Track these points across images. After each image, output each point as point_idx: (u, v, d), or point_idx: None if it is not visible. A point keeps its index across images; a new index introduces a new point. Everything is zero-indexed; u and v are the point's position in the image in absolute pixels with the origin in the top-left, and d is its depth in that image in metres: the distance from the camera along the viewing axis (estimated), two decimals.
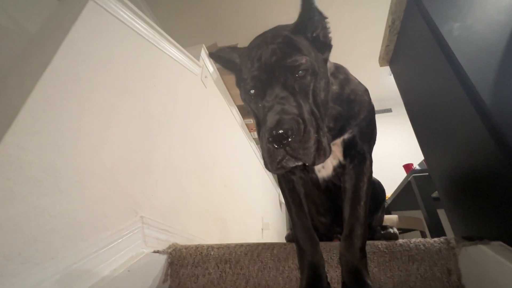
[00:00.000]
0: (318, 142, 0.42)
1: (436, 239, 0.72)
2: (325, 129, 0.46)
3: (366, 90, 0.65)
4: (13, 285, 0.47)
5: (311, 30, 0.51)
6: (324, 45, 0.52)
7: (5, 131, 0.51)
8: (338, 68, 0.64)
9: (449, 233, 1.53)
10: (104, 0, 0.82)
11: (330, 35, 0.53)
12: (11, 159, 0.51)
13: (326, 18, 0.52)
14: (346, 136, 0.60)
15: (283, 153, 0.41)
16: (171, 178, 1.05)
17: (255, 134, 2.36)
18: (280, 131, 0.39)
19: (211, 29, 2.71)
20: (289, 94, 0.44)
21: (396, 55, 1.10)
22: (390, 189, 2.58)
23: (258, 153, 2.54)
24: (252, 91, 0.47)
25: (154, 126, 1.01)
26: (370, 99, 0.64)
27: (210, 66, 1.62)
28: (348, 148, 0.61)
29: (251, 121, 2.15)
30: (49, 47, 0.65)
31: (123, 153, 0.81)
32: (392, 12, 0.96)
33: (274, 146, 0.40)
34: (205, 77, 1.52)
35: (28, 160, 0.53)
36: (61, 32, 0.69)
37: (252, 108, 0.50)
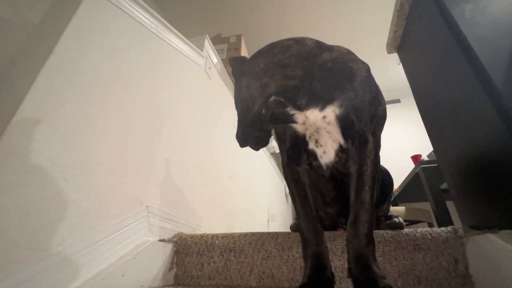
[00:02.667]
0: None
1: (443, 228, 0.71)
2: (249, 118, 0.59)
3: (358, 62, 0.60)
4: (22, 270, 0.48)
5: None
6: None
7: (10, 120, 0.51)
8: (332, 45, 0.62)
9: (458, 225, 1.51)
10: None
11: None
12: (17, 147, 0.52)
13: None
14: (337, 110, 0.56)
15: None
16: (176, 168, 1.05)
17: None
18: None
19: (215, 19, 2.68)
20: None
21: (404, 41, 1.06)
22: (397, 181, 2.55)
23: None
24: None
25: (159, 117, 1.01)
26: (363, 71, 0.59)
27: (214, 57, 1.60)
28: (345, 128, 0.58)
29: None
30: (51, 37, 0.65)
31: (127, 143, 0.82)
32: None
33: None
34: (209, 68, 1.51)
35: (33, 149, 0.54)
36: (62, 22, 0.68)
37: None
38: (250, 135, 0.62)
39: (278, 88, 0.55)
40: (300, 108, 0.57)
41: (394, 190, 2.29)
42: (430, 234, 0.69)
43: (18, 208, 0.51)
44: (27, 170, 0.53)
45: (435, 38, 0.80)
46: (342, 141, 0.60)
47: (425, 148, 2.39)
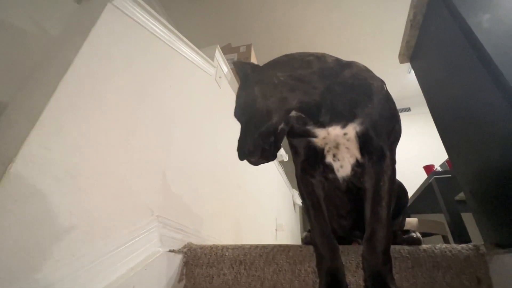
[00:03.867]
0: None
1: (463, 245, 0.68)
2: (263, 129, 0.54)
3: (376, 78, 0.60)
4: (36, 281, 0.48)
5: None
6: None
7: (30, 131, 0.52)
8: (348, 61, 0.62)
9: (474, 239, 1.45)
10: (122, 2, 0.83)
11: None
12: (35, 158, 0.52)
13: None
14: (358, 128, 0.56)
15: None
16: (186, 177, 1.05)
17: None
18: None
19: (225, 29, 2.72)
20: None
21: (418, 51, 1.04)
22: (409, 191, 2.48)
23: None
24: None
25: (170, 126, 1.02)
26: (382, 88, 0.59)
27: (224, 67, 1.62)
28: (364, 144, 0.58)
29: None
30: (70, 49, 0.66)
31: (140, 153, 0.83)
32: (413, 6, 0.91)
33: None
34: (219, 77, 1.52)
35: (50, 159, 0.55)
36: (82, 34, 0.70)
37: None
38: (259, 147, 0.56)
39: (299, 104, 0.54)
40: (323, 125, 0.57)
41: None
42: (450, 251, 0.66)
43: (34, 218, 0.51)
44: (43, 180, 0.53)
45: (451, 48, 0.79)
46: (359, 156, 0.59)
47: (435, 157, 2.34)
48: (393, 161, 0.59)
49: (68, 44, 0.69)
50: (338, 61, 0.60)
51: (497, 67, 0.61)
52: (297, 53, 0.61)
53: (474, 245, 0.66)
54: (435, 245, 0.70)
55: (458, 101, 0.83)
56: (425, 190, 1.96)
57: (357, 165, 0.60)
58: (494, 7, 0.68)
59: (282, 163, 2.87)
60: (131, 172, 0.78)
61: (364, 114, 0.56)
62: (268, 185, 2.27)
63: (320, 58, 0.59)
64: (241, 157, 0.57)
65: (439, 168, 2.11)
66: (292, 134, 0.60)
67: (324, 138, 0.59)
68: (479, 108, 0.70)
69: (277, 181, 2.59)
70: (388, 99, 0.60)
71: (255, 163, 0.58)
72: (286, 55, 0.62)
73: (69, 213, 0.57)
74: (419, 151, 3.29)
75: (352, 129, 0.57)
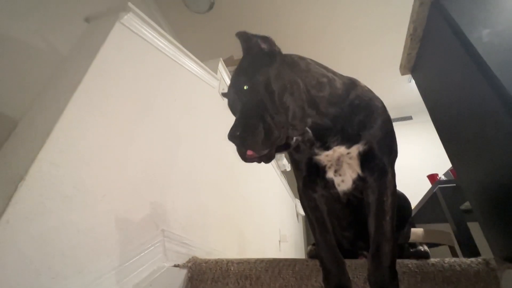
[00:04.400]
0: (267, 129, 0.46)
1: (473, 259, 0.67)
2: (279, 119, 0.48)
3: (378, 99, 0.62)
4: None
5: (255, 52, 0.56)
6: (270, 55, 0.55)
7: (40, 149, 0.53)
8: (350, 78, 0.64)
9: (482, 249, 1.42)
10: (129, 21, 0.86)
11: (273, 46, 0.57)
12: (44, 175, 0.53)
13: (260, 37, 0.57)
14: (361, 148, 0.58)
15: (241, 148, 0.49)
16: (191, 190, 1.06)
17: None
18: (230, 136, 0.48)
19: (228, 42, 2.78)
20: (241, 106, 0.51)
21: (418, 63, 1.06)
22: (413, 200, 2.45)
23: (275, 163, 2.52)
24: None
25: (175, 139, 1.03)
26: (384, 109, 0.62)
27: (227, 79, 1.65)
28: (366, 161, 0.59)
29: None
30: (80, 68, 0.68)
31: (145, 167, 0.83)
32: (413, 20, 0.93)
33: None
34: (223, 89, 1.54)
35: (59, 176, 0.56)
36: (91, 53, 0.72)
37: None
38: (269, 142, 0.46)
39: (312, 124, 0.54)
40: (328, 148, 0.58)
41: None
42: (460, 266, 0.65)
43: (41, 236, 0.51)
44: (52, 197, 0.54)
45: (452, 61, 0.80)
46: (360, 171, 0.60)
47: (439, 165, 2.32)
48: (394, 177, 0.61)
49: (78, 62, 0.71)
50: (344, 84, 0.61)
51: (497, 78, 0.62)
52: (312, 65, 0.60)
53: (484, 259, 0.66)
54: (444, 259, 0.69)
55: (460, 113, 0.83)
56: (430, 199, 1.94)
57: (359, 179, 0.61)
58: (493, 22, 0.69)
59: (284, 172, 2.87)
60: (137, 187, 0.78)
61: (368, 135, 0.58)
62: (272, 195, 2.26)
63: (331, 82, 0.59)
64: (242, 144, 0.48)
65: (443, 177, 2.09)
66: (296, 149, 0.61)
67: (327, 155, 0.60)
68: (481, 117, 0.71)
69: (280, 191, 2.58)
70: (389, 119, 0.62)
71: (251, 159, 0.50)
72: (304, 61, 0.60)
73: (77, 230, 0.57)
74: (422, 160, 3.27)
75: (355, 149, 0.58)
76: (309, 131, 0.54)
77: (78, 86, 0.63)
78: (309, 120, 0.54)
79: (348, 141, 0.58)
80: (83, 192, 0.60)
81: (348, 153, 0.59)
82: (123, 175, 0.73)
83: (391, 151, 0.62)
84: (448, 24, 0.77)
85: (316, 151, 0.59)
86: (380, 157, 0.58)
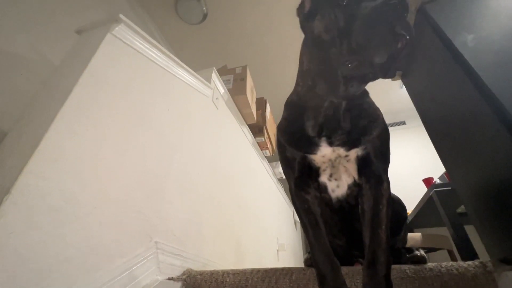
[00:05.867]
0: None
1: (470, 262, 0.67)
2: None
3: (379, 110, 0.66)
4: None
5: None
6: None
7: (27, 161, 0.52)
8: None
9: (480, 251, 1.42)
10: (121, 32, 0.86)
11: None
12: (31, 188, 0.52)
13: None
14: (359, 152, 0.58)
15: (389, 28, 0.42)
16: (186, 200, 1.04)
17: (267, 152, 2.35)
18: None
19: (221, 52, 2.81)
20: None
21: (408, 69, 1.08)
22: (410, 205, 2.45)
23: (271, 171, 2.51)
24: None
25: (169, 149, 1.02)
26: (384, 120, 0.64)
27: (221, 88, 1.65)
28: (363, 166, 0.59)
29: (262, 139, 2.15)
30: (70, 78, 0.68)
31: (138, 177, 0.82)
32: None
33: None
34: (216, 98, 1.55)
35: (47, 188, 0.54)
36: (82, 63, 0.72)
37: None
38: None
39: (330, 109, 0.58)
40: (331, 143, 0.59)
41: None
42: (457, 269, 0.64)
43: (29, 251, 0.50)
44: (39, 211, 0.52)
45: (440, 66, 0.82)
46: (356, 177, 0.61)
47: (433, 169, 2.34)
48: (389, 185, 0.61)
49: (68, 73, 0.71)
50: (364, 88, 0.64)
51: (486, 85, 0.63)
52: None
53: (481, 262, 0.65)
54: (441, 263, 0.68)
55: (450, 117, 0.84)
56: (426, 203, 1.94)
57: (354, 184, 0.61)
58: (478, 27, 0.71)
59: (281, 180, 2.85)
60: (130, 197, 0.77)
61: (368, 141, 0.59)
62: (268, 204, 2.24)
63: None
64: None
65: (438, 181, 2.10)
66: (294, 140, 0.62)
67: (323, 156, 0.60)
68: (471, 123, 0.72)
69: (277, 199, 2.56)
70: (388, 130, 0.64)
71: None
72: None
73: (65, 244, 0.55)
74: (416, 164, 3.30)
75: (354, 153, 0.59)
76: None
77: (69, 96, 0.63)
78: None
79: (349, 144, 0.58)
80: (73, 205, 0.59)
81: (346, 156, 0.59)
82: (115, 186, 0.72)
83: (386, 160, 0.63)
84: (434, 30, 0.79)
85: (317, 142, 0.60)
86: (376, 164, 0.59)
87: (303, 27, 0.63)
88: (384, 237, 0.55)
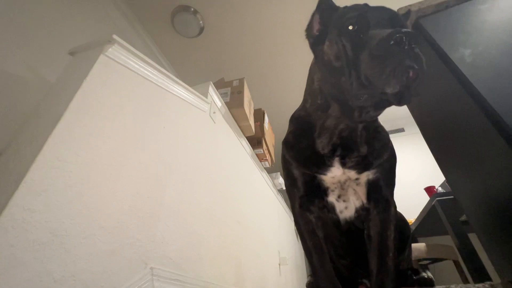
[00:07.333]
0: None
1: (480, 285, 0.63)
2: None
3: (387, 132, 0.66)
4: None
5: None
6: None
7: (12, 194, 0.50)
8: None
9: (485, 260, 1.38)
10: (114, 53, 0.85)
11: None
12: (16, 223, 0.49)
13: None
14: (370, 176, 0.57)
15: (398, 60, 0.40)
16: (182, 220, 1.01)
17: (266, 164, 2.32)
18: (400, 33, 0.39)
19: (218, 65, 2.82)
20: None
21: None
22: (412, 214, 2.42)
23: (270, 182, 2.48)
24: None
25: (164, 169, 0.99)
26: (392, 142, 0.64)
27: (218, 101, 1.64)
28: (372, 191, 0.58)
29: (261, 151, 2.13)
30: (61, 103, 0.66)
31: (132, 201, 0.79)
32: None
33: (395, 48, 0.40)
34: (214, 112, 1.54)
35: (33, 222, 0.52)
36: (73, 87, 0.71)
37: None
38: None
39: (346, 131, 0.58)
40: (344, 164, 0.58)
41: (410, 224, 2.17)
42: None
43: None
44: (25, 247, 0.49)
45: (437, 80, 0.81)
46: (365, 201, 0.59)
47: (434, 177, 2.31)
48: (396, 209, 0.60)
49: (59, 98, 0.69)
50: None
51: (485, 99, 0.62)
52: None
53: (492, 285, 0.62)
54: (450, 286, 0.65)
55: (449, 129, 0.83)
56: (429, 212, 1.91)
57: (362, 208, 0.60)
58: (475, 42, 0.70)
59: (281, 191, 2.82)
60: (123, 224, 0.74)
61: (379, 164, 0.58)
62: (268, 216, 2.20)
63: None
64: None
65: (440, 189, 2.08)
66: (303, 158, 0.60)
67: (333, 177, 0.58)
68: (470, 135, 0.70)
69: (277, 211, 2.52)
70: (395, 154, 0.64)
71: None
72: None
73: (53, 280, 0.52)
74: (417, 171, 3.28)
75: (365, 176, 0.58)
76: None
77: (58, 123, 0.61)
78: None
79: (362, 167, 0.57)
80: (61, 237, 0.56)
81: (356, 179, 0.58)
82: (106, 213, 0.69)
83: (393, 184, 0.62)
84: (431, 46, 0.78)
85: (329, 160, 0.58)
86: (385, 188, 0.58)
87: (313, 49, 0.61)
88: (392, 266, 0.53)
